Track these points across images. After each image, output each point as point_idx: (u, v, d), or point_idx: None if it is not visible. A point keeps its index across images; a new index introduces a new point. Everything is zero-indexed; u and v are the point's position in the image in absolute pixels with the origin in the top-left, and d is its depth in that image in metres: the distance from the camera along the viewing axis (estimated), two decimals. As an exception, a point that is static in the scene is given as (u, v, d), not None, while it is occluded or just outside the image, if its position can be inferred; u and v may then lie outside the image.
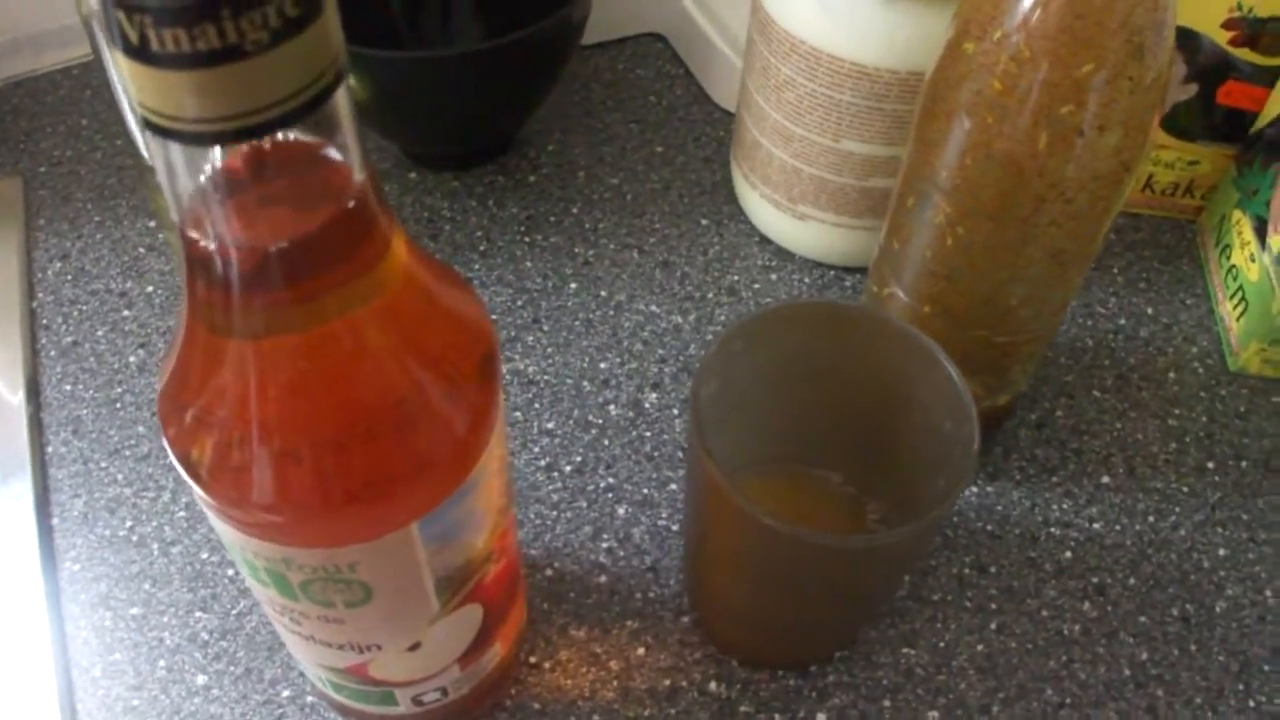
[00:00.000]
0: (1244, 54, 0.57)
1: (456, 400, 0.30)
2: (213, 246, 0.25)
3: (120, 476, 0.50)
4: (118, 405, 0.52)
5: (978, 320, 0.44)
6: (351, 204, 0.25)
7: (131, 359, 0.54)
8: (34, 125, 0.66)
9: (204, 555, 0.48)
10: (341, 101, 0.23)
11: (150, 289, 0.57)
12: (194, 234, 0.25)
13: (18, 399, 0.52)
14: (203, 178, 0.24)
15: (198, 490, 0.29)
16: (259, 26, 0.20)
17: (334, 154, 0.25)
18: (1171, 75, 0.39)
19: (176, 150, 0.23)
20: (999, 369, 0.47)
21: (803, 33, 0.50)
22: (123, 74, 0.21)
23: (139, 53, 0.20)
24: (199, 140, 0.22)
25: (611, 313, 0.57)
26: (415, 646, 0.36)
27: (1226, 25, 0.56)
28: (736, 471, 0.45)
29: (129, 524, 0.49)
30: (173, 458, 0.29)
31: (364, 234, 0.26)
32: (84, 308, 0.56)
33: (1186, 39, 0.57)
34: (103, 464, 0.50)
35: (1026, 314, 0.44)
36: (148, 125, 0.22)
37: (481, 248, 0.60)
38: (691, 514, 0.42)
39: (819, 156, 0.54)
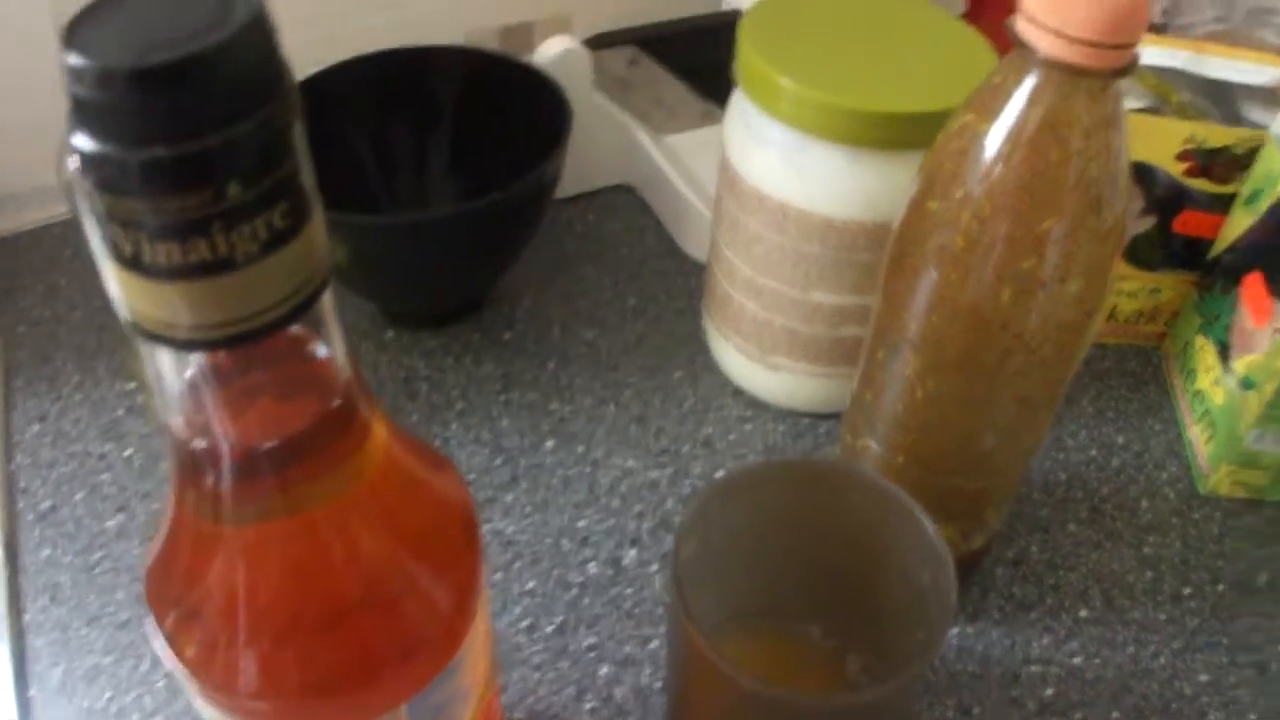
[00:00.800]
0: (1198, 184, 0.59)
1: (441, 579, 0.30)
2: (200, 443, 0.25)
3: (99, 645, 0.50)
4: (96, 570, 0.52)
5: (951, 468, 0.45)
6: (336, 400, 0.26)
7: (110, 523, 0.54)
8: (13, 284, 0.67)
9: (188, 726, 0.47)
10: (327, 301, 0.24)
11: (129, 452, 0.57)
12: (180, 430, 0.25)
13: (-3, 565, 0.52)
14: (188, 376, 0.24)
15: (183, 673, 0.29)
16: (249, 239, 0.21)
17: (319, 349, 0.25)
18: (1126, 221, 0.40)
19: (165, 353, 0.24)
20: (974, 513, 0.47)
21: (770, 188, 0.52)
22: (112, 281, 0.22)
23: (131, 263, 0.21)
24: (189, 347, 0.22)
25: (589, 469, 0.58)
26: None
27: (1180, 157, 0.58)
28: (716, 627, 0.45)
29: (108, 695, 0.48)
30: (159, 645, 0.29)
31: (348, 426, 0.27)
32: (63, 470, 0.57)
33: (1142, 173, 0.59)
34: (81, 631, 0.50)
35: (998, 460, 0.45)
36: (138, 331, 0.22)
37: (459, 407, 0.60)
38: (673, 675, 0.42)
39: (789, 308, 0.55)
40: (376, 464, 0.28)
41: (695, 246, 0.69)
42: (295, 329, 0.24)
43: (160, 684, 0.48)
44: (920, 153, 0.47)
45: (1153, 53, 0.59)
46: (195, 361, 0.24)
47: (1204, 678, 0.52)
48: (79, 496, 0.56)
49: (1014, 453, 0.45)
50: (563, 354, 0.64)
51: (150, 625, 0.30)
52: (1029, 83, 0.37)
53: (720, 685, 0.37)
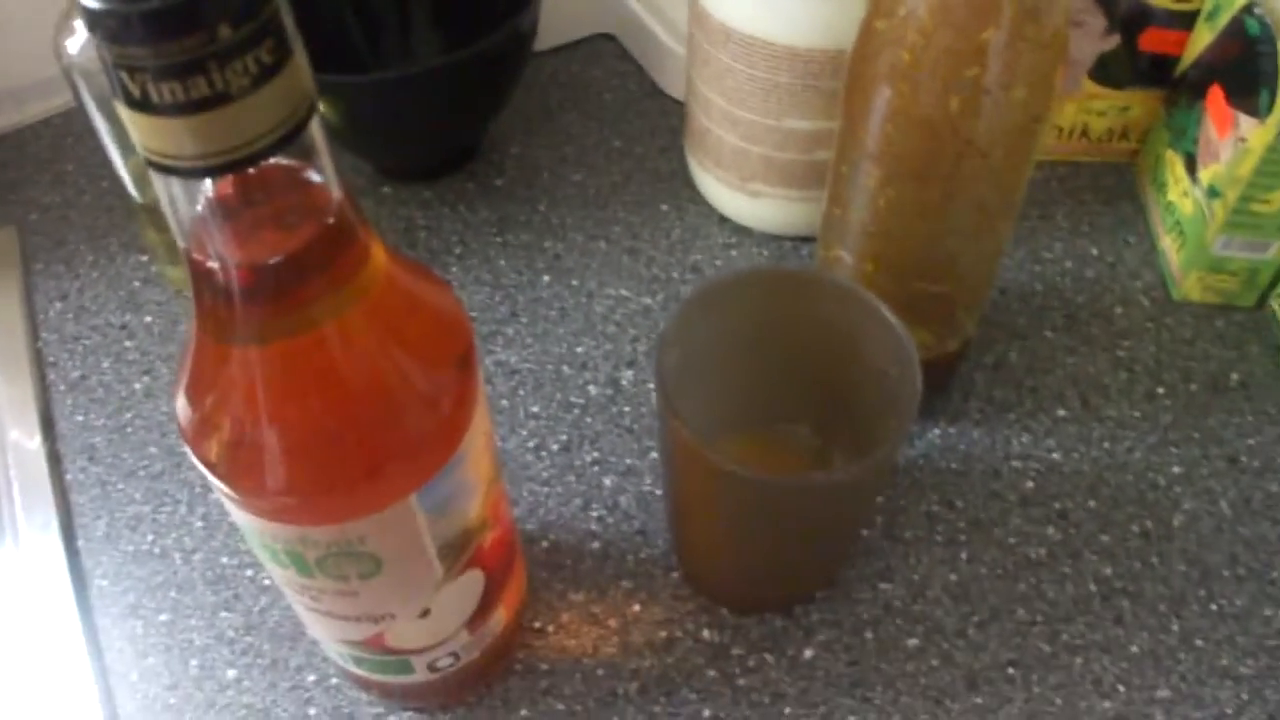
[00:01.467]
0: (1160, 1, 0.62)
1: (440, 383, 0.34)
2: (214, 265, 0.29)
3: (138, 496, 0.55)
4: (129, 430, 0.57)
5: (917, 273, 0.49)
6: (331, 220, 0.30)
7: (137, 386, 0.59)
8: (22, 176, 0.70)
9: (224, 560, 0.52)
10: (316, 130, 0.28)
11: (149, 319, 0.62)
12: (197, 255, 0.29)
13: (34, 442, 0.56)
14: (200, 206, 0.28)
15: (217, 483, 0.34)
16: (241, 74, 0.25)
17: (314, 176, 0.29)
18: (1069, 31, 0.43)
19: (177, 184, 0.27)
20: (945, 316, 0.51)
21: (737, 22, 0.55)
22: (125, 121, 0.26)
23: (140, 104, 0.25)
24: (196, 174, 0.26)
25: (584, 300, 0.62)
26: (425, 613, 0.40)
27: (1141, -25, 0.61)
28: (705, 433, 0.49)
29: (150, 538, 0.53)
30: (192, 457, 0.34)
31: (345, 245, 0.31)
32: (87, 343, 0.61)
33: (1104, -7, 0.62)
34: (120, 486, 0.55)
35: (962, 264, 0.48)
36: (150, 164, 0.26)
37: (457, 251, 0.64)
38: (667, 475, 0.47)
39: (764, 136, 0.58)
40: (378, 283, 0.32)
41: (674, 87, 0.72)
42: (289, 159, 0.28)
43: (199, 524, 0.53)
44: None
45: None
46: (205, 191, 0.28)
47: (1177, 469, 0.56)
48: (105, 364, 0.60)
49: (976, 256, 0.48)
50: (553, 196, 0.68)
51: (184, 442, 0.34)
52: (965, -102, 0.39)
53: (707, 475, 0.42)
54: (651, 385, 0.58)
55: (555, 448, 0.56)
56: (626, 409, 0.57)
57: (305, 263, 0.30)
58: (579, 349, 0.60)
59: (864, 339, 0.46)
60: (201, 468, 0.34)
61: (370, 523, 0.34)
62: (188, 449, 0.34)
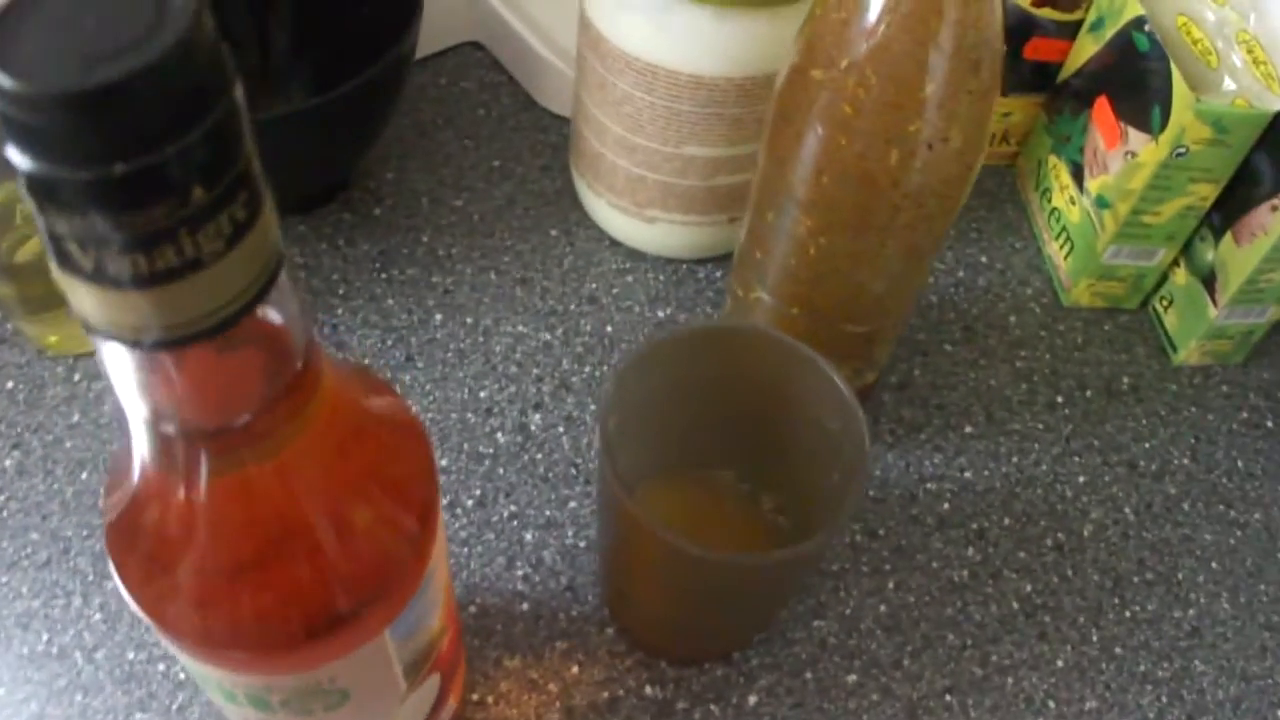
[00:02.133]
0: (1045, 12, 0.61)
1: (405, 504, 0.31)
2: (159, 420, 0.25)
3: (25, 589, 0.49)
4: (4, 514, 0.51)
5: (843, 316, 0.47)
6: (297, 362, 0.26)
7: (7, 463, 0.53)
8: None
9: (130, 655, 0.47)
10: (283, 275, 0.24)
11: (10, 385, 0.55)
12: (137, 409, 0.25)
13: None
14: (141, 364, 0.24)
15: (168, 639, 0.30)
16: (214, 237, 0.21)
17: (274, 316, 0.25)
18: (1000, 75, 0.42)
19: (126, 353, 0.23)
20: (865, 353, 0.50)
21: (639, 51, 0.51)
22: (61, 286, 0.22)
23: (91, 277, 0.21)
24: (160, 348, 0.22)
25: (481, 339, 0.58)
26: (383, 723, 0.37)
27: (1028, -12, 0.60)
28: (638, 480, 0.47)
29: (45, 637, 0.48)
30: (134, 605, 0.30)
31: (306, 383, 0.27)
32: (-57, 413, 0.55)
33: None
34: (3, 579, 0.49)
35: (888, 303, 0.47)
36: (101, 335, 0.22)
37: (340, 291, 0.60)
38: (608, 543, 0.44)
39: (662, 163, 0.56)
40: (328, 405, 0.29)
41: (552, 99, 0.69)
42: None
43: (97, 617, 0.48)
44: (784, 9, 0.48)
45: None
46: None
47: (1082, 479, 0.56)
48: (-33, 439, 0.54)
49: (902, 296, 0.47)
50: (435, 225, 0.63)
51: (118, 582, 0.30)
52: (906, -48, 0.37)
53: (656, 550, 0.40)
54: (561, 429, 0.55)
55: (470, 503, 0.52)
56: (539, 456, 0.54)
57: (270, 411, 0.26)
58: (482, 393, 0.56)
59: (800, 391, 0.44)
60: (145, 617, 0.30)
61: (342, 663, 0.31)
62: (124, 593, 0.30)
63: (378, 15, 0.58)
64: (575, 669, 0.48)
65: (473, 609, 0.49)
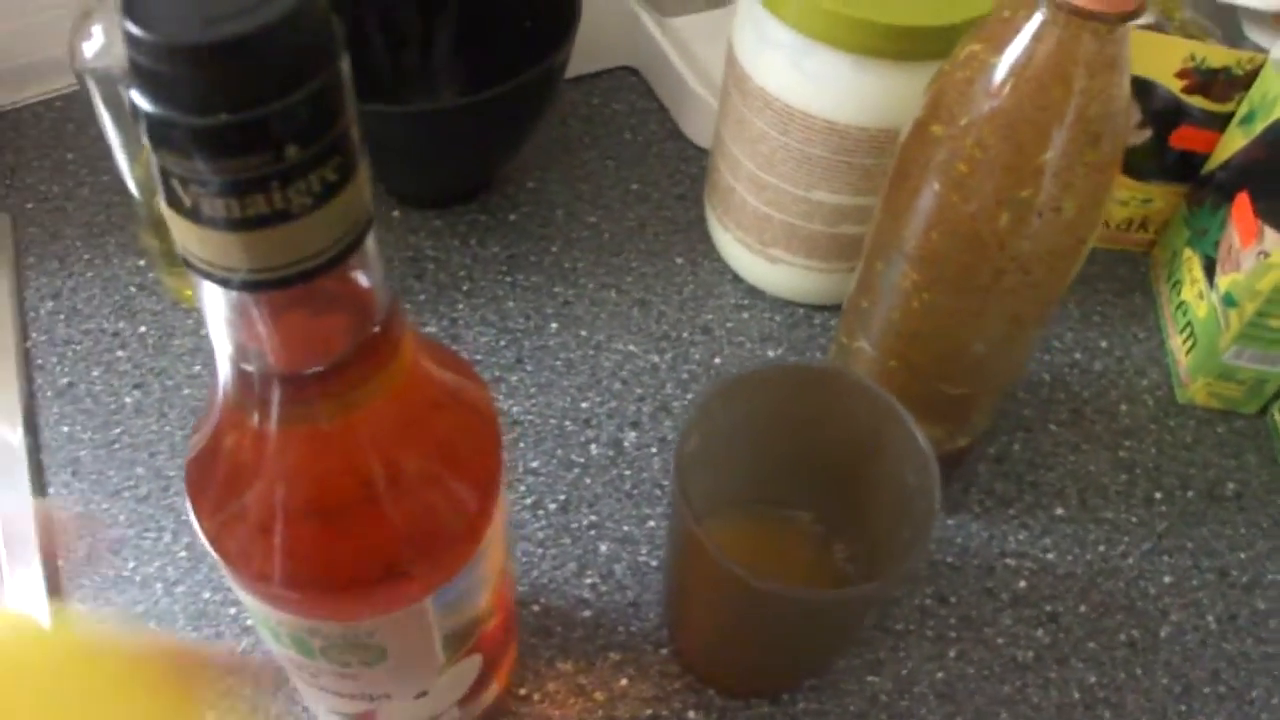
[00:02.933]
0: (1196, 100, 0.61)
1: (464, 480, 0.33)
2: (245, 360, 0.27)
3: (122, 518, 0.52)
4: (116, 446, 0.55)
5: (941, 375, 0.47)
6: (375, 325, 0.28)
7: (128, 400, 0.56)
8: (19, 160, 0.67)
9: (206, 595, 0.50)
10: (370, 239, 0.26)
11: (143, 329, 0.59)
12: (227, 348, 0.27)
13: (17, 437, 0.54)
14: (237, 303, 0.26)
15: (225, 566, 0.32)
16: (304, 193, 0.23)
17: (362, 279, 0.27)
18: (1123, 153, 0.42)
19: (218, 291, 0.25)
20: (960, 416, 0.50)
21: (776, 89, 0.53)
22: (167, 219, 0.24)
23: (189, 214, 0.23)
24: (246, 288, 0.24)
25: (591, 352, 0.60)
26: (422, 694, 0.38)
27: (1180, 74, 0.59)
28: (712, 511, 0.48)
29: (132, 564, 0.51)
30: (201, 536, 0.32)
31: (384, 347, 0.29)
32: (78, 348, 0.58)
33: (1142, 87, 0.60)
34: (104, 505, 0.52)
35: (987, 369, 0.47)
36: (197, 271, 0.24)
37: (465, 287, 0.62)
38: (672, 563, 0.45)
39: (790, 204, 0.57)
40: (407, 375, 0.30)
41: (697, 132, 0.70)
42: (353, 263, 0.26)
43: (182, 554, 0.51)
44: (923, 64, 0.49)
45: (1159, -33, 0.60)
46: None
47: (1168, 579, 0.55)
48: (95, 373, 0.57)
49: (1002, 363, 0.47)
50: (566, 237, 0.65)
51: (191, 516, 0.32)
52: (1036, 20, 0.38)
53: (718, 579, 0.40)
54: (654, 450, 0.56)
55: (553, 507, 0.54)
56: (627, 472, 0.55)
57: (342, 365, 0.28)
58: (583, 404, 0.58)
59: (882, 441, 0.44)
60: (210, 548, 0.32)
61: (382, 621, 0.33)
62: (194, 522, 0.32)
63: (539, 28, 0.60)
64: (624, 682, 0.49)
65: (536, 608, 0.51)
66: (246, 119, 0.21)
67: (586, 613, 0.51)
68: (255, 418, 0.29)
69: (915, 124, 0.42)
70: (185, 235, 0.23)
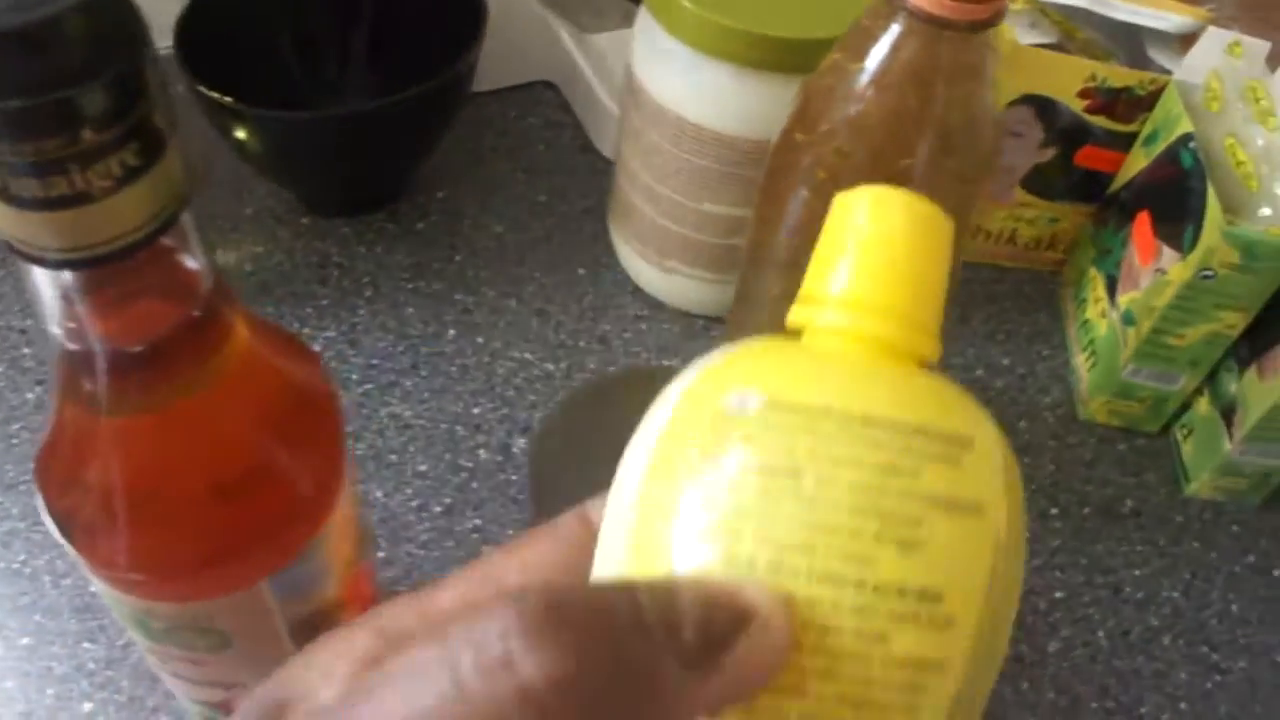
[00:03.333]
0: (1100, 120, 0.63)
1: (300, 467, 0.35)
2: (75, 345, 0.29)
3: (15, 511, 0.54)
4: (14, 441, 0.57)
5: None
6: (198, 306, 0.30)
7: (29, 395, 0.59)
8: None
9: (93, 589, 0.52)
10: (187, 220, 0.28)
11: (31, 321, 0.61)
12: (57, 330, 0.29)
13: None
14: (62, 287, 0.28)
15: (68, 546, 0.34)
16: (104, 176, 0.25)
17: (184, 260, 0.29)
18: (996, 164, 0.44)
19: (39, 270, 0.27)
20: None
21: (669, 102, 0.55)
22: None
23: (3, 194, 0.25)
24: (55, 266, 0.26)
25: (487, 359, 0.62)
26: (276, 685, 0.40)
27: (1082, 94, 0.62)
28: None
29: (22, 557, 0.53)
30: (46, 517, 0.34)
31: (210, 328, 0.31)
32: (-19, 344, 0.61)
33: (1044, 106, 0.63)
34: (1, 498, 0.55)
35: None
36: (15, 252, 0.26)
37: (367, 294, 0.64)
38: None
39: (684, 216, 0.59)
40: (239, 360, 0.32)
41: (608, 146, 0.73)
42: (167, 244, 0.28)
43: (72, 550, 0.53)
44: (804, 76, 0.51)
45: (1060, -11, 0.62)
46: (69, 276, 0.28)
47: (1059, 594, 0.57)
48: (0, 369, 0.60)
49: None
50: (471, 247, 0.68)
51: (40, 506, 0.34)
52: (894, 29, 0.40)
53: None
54: (544, 455, 0.58)
55: (438, 510, 0.56)
56: (514, 478, 0.57)
57: (167, 347, 0.30)
58: (475, 409, 0.60)
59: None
60: (53, 528, 0.34)
61: (217, 604, 0.35)
62: (42, 508, 0.34)
63: (449, 39, 0.63)
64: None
65: (417, 609, 0.52)
66: (39, 103, 0.23)
67: (465, 616, 0.53)
68: (87, 403, 0.31)
69: (782, 132, 0.45)
70: (3, 216, 0.25)
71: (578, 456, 0.46)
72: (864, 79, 0.41)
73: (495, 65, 0.74)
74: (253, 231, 0.67)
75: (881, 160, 0.41)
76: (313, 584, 0.37)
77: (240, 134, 0.59)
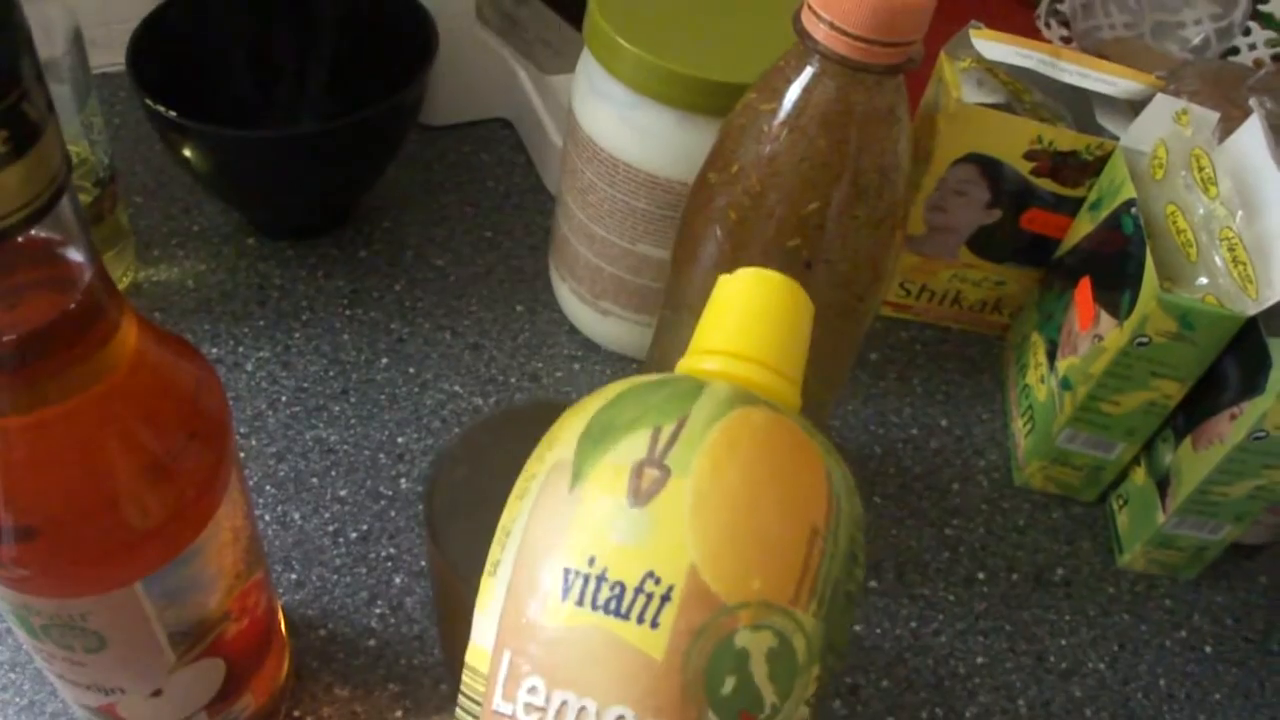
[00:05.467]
0: (1045, 183, 0.65)
1: (180, 472, 0.36)
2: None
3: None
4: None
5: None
6: (77, 299, 0.31)
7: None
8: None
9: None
10: (68, 208, 0.30)
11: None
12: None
13: None
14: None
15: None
16: (-34, 163, 0.26)
17: (67, 252, 0.31)
18: (907, 213, 0.45)
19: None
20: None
21: (605, 141, 0.57)
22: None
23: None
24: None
25: (417, 390, 0.64)
26: (158, 693, 0.41)
27: (1028, 156, 0.64)
28: (480, 561, 0.50)
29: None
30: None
31: (91, 324, 0.32)
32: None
33: (990, 167, 0.65)
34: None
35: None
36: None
37: (304, 317, 0.66)
38: (433, 593, 0.48)
39: (619, 257, 0.61)
40: (123, 361, 0.34)
41: (556, 185, 0.74)
42: (43, 235, 0.30)
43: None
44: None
45: (1009, 51, 0.64)
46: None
47: (980, 660, 0.58)
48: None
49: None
50: (411, 277, 0.70)
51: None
52: (808, 71, 0.41)
53: (462, 602, 0.43)
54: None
55: (354, 536, 0.57)
56: (433, 509, 0.59)
57: (43, 340, 0.31)
58: (400, 439, 0.61)
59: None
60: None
61: (91, 603, 0.36)
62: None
63: (404, 70, 0.65)
64: (399, 714, 0.52)
65: (323, 632, 0.54)
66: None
67: (371, 642, 0.54)
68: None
69: (698, 174, 0.46)
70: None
71: (478, 486, 0.47)
72: (776, 120, 0.42)
73: (453, 100, 0.76)
74: (198, 249, 0.69)
75: (792, 202, 0.42)
76: (192, 591, 0.38)
77: (186, 151, 0.60)
